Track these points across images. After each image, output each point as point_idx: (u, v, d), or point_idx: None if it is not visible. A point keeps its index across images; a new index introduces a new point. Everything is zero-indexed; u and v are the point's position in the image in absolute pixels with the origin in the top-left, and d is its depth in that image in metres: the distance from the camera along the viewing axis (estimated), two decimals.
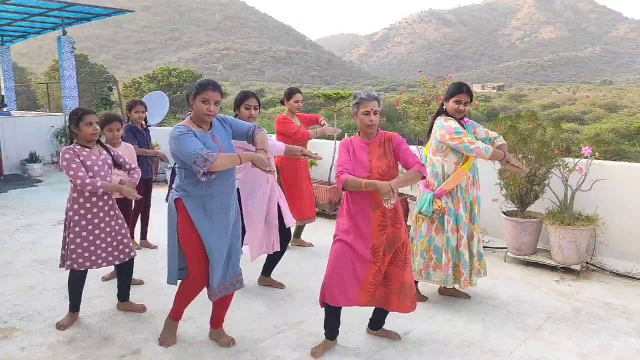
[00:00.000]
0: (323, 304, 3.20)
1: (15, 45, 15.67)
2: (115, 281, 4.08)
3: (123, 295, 3.90)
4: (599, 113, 48.15)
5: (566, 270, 4.61)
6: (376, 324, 3.47)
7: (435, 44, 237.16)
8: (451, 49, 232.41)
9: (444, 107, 3.89)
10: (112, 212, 3.65)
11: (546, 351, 3.29)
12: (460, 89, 3.81)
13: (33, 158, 10.69)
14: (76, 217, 3.50)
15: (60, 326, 3.59)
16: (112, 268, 4.39)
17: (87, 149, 3.54)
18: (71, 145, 3.51)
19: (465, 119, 3.93)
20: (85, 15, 11.89)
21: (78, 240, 3.50)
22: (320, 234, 5.64)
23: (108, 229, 3.61)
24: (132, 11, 15.51)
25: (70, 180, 3.50)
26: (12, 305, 4.05)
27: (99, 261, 3.59)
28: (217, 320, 3.41)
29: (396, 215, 3.16)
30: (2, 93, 14.48)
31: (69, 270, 3.59)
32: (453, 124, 3.76)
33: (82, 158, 3.47)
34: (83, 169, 3.42)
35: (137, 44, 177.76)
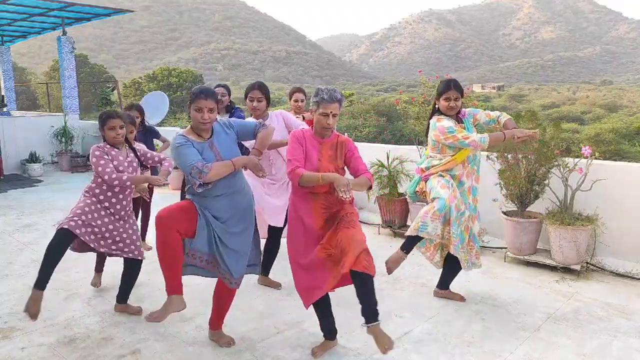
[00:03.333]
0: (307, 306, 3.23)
1: (15, 45, 15.68)
2: (114, 281, 4.08)
3: (122, 297, 3.90)
4: (599, 113, 48.07)
5: (566, 270, 4.61)
6: (365, 310, 3.15)
7: (435, 44, 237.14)
8: (451, 49, 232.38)
9: (437, 106, 3.89)
10: (122, 212, 3.69)
11: (546, 351, 3.29)
12: (447, 86, 3.77)
13: (33, 158, 10.69)
14: (93, 198, 3.61)
15: (32, 316, 3.32)
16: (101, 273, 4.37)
17: (115, 149, 3.65)
18: (99, 145, 3.63)
19: (462, 111, 3.92)
20: (85, 15, 11.91)
21: (86, 208, 3.55)
22: None
23: (117, 224, 3.66)
24: (132, 11, 15.55)
25: (95, 177, 3.61)
26: (12, 305, 4.05)
27: (94, 240, 3.54)
28: (215, 322, 3.41)
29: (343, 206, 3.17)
30: (2, 93, 14.51)
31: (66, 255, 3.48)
32: (446, 122, 3.74)
33: (110, 156, 3.59)
34: (111, 166, 3.52)
35: (137, 44, 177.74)
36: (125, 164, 3.65)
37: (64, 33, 11.97)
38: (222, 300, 3.33)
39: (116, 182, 3.48)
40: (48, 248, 3.40)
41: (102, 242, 3.63)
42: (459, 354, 3.26)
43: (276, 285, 4.36)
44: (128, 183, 3.53)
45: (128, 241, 3.71)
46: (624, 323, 3.66)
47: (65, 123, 11.34)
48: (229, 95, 5.04)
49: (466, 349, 3.32)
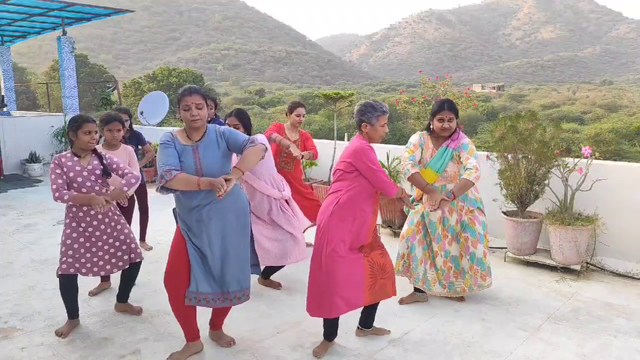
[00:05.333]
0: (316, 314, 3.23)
1: (15, 45, 15.68)
2: (114, 281, 4.07)
3: (122, 297, 3.90)
4: (599, 113, 48.14)
5: (566, 270, 4.61)
6: (368, 320, 3.46)
7: (435, 44, 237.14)
8: (451, 49, 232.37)
9: (431, 126, 3.85)
10: (106, 219, 3.57)
11: (546, 351, 3.29)
12: (441, 107, 3.75)
13: (33, 158, 10.69)
14: (73, 224, 3.50)
15: (60, 334, 3.51)
16: (98, 281, 4.35)
17: (75, 158, 3.49)
18: (61, 154, 3.52)
19: (461, 137, 3.79)
20: (85, 15, 11.91)
21: (69, 242, 3.48)
22: None
23: (105, 237, 3.56)
24: (132, 11, 15.52)
25: None
26: (12, 305, 4.05)
27: (91, 268, 3.54)
28: (216, 322, 3.42)
29: None
30: (2, 93, 14.49)
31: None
32: (413, 139, 3.90)
33: (65, 168, 3.44)
34: (60, 180, 3.40)
35: (137, 44, 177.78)
36: (85, 173, 3.47)
37: (64, 33, 11.97)
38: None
39: (58, 201, 3.37)
40: (60, 292, 3.56)
41: (102, 264, 3.58)
42: (459, 354, 3.26)
43: (276, 286, 4.36)
44: (69, 203, 3.39)
45: (124, 247, 3.64)
46: (624, 323, 3.66)
47: (65, 123, 11.32)
48: (215, 108, 4.99)
49: (466, 349, 3.32)
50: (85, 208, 3.49)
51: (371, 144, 3.24)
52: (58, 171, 3.41)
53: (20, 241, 5.83)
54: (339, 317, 3.25)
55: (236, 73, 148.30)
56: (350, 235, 3.14)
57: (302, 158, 4.88)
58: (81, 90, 16.25)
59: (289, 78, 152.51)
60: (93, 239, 3.52)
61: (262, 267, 4.12)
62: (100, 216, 3.54)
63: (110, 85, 14.16)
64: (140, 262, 3.79)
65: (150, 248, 5.44)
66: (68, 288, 3.54)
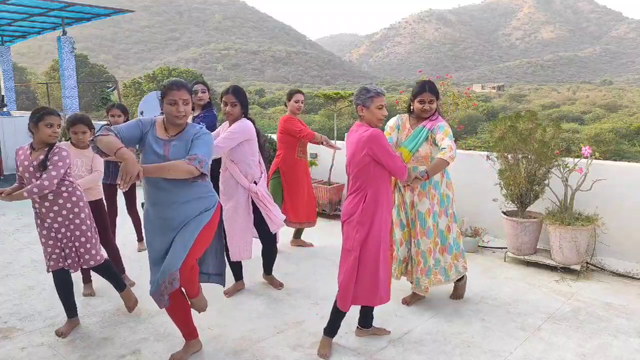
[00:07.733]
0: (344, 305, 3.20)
1: (15, 45, 15.68)
2: (102, 284, 4.07)
3: (117, 287, 3.84)
4: (599, 113, 48.22)
5: (566, 270, 4.61)
6: (366, 320, 3.46)
7: (435, 44, 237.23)
8: (451, 49, 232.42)
9: (412, 108, 3.83)
10: (64, 212, 3.47)
11: (546, 351, 3.29)
12: (422, 88, 3.72)
13: None
14: (38, 221, 3.51)
15: (60, 334, 3.50)
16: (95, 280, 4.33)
17: (29, 151, 3.46)
18: (22, 146, 3.53)
19: (439, 119, 3.75)
20: (85, 15, 11.91)
21: (43, 240, 3.48)
22: (320, 234, 5.64)
23: (62, 232, 3.47)
24: (132, 11, 15.52)
25: None
26: (12, 305, 4.05)
27: (77, 263, 3.55)
28: (185, 291, 3.21)
29: None
30: (2, 93, 14.49)
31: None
32: (390, 121, 3.91)
33: (18, 162, 3.46)
34: (16, 175, 3.55)
35: (137, 44, 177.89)
36: (31, 169, 3.41)
37: (64, 33, 11.97)
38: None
39: None
40: (56, 288, 3.56)
41: (86, 257, 3.55)
42: (459, 354, 3.26)
43: (277, 285, 4.36)
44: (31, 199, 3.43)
45: (82, 250, 3.55)
46: (624, 323, 3.66)
47: (65, 123, 11.33)
48: (208, 91, 4.96)
49: (466, 349, 3.32)
50: (46, 203, 3.43)
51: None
52: (15, 165, 3.51)
53: (20, 241, 5.83)
54: (345, 314, 3.25)
55: (236, 73, 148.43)
56: (382, 225, 3.15)
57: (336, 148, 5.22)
58: (81, 90, 16.26)
59: (289, 78, 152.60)
60: (53, 233, 3.48)
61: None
62: (65, 212, 3.45)
63: (111, 85, 14.16)
64: (104, 264, 3.69)
65: (144, 249, 5.41)
66: (62, 283, 3.53)
